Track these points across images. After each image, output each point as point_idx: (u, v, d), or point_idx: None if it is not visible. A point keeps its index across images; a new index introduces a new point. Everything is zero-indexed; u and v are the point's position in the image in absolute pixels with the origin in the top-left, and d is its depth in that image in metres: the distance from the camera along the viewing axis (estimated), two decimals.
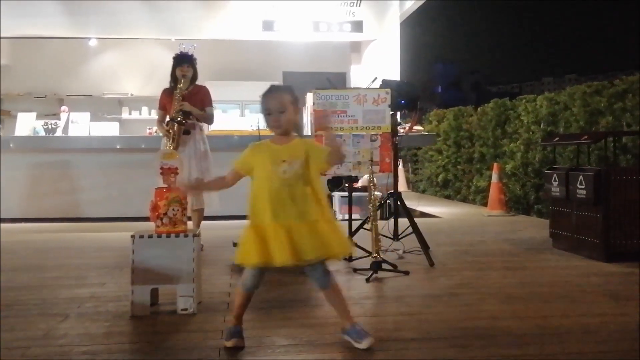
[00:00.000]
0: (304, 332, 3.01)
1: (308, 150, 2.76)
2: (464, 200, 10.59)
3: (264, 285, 2.96)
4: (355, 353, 2.75)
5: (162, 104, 5.71)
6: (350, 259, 4.73)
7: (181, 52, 5.65)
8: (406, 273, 4.43)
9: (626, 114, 6.64)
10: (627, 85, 6.75)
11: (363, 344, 2.75)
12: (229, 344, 2.77)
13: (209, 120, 5.78)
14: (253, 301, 2.92)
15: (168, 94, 5.64)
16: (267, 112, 2.77)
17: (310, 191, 2.72)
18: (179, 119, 5.43)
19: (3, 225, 7.33)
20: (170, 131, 5.45)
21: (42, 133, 8.14)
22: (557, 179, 5.47)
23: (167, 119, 5.56)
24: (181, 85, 5.50)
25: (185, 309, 3.37)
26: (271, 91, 2.81)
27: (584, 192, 5.05)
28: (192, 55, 5.66)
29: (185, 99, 5.51)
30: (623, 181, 4.91)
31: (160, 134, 5.84)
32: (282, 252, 2.63)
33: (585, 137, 5.60)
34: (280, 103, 2.75)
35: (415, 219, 5.33)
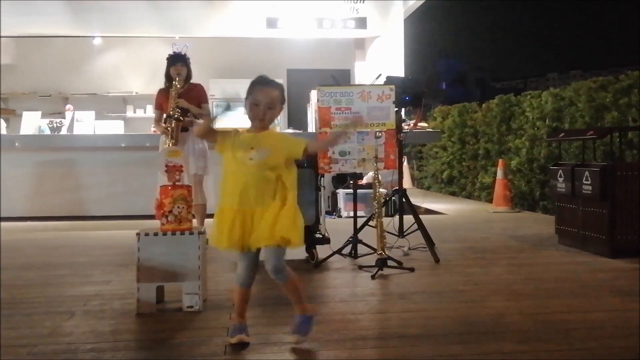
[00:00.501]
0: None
1: (281, 140, 2.78)
2: (469, 196, 10.57)
3: (269, 283, 2.96)
4: (360, 350, 2.75)
5: (159, 103, 5.80)
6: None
7: (174, 52, 5.74)
8: (411, 270, 4.43)
9: (632, 109, 6.61)
10: (632, 81, 6.73)
11: (292, 338, 2.79)
12: (233, 340, 2.77)
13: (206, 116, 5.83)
14: (258, 298, 2.93)
15: (164, 93, 5.74)
16: (255, 103, 2.76)
17: (275, 179, 2.70)
18: (176, 115, 5.49)
19: (9, 224, 7.36)
20: (169, 128, 5.50)
21: (47, 132, 8.16)
22: (562, 175, 5.45)
23: (165, 116, 5.60)
24: (175, 84, 5.57)
25: (191, 307, 3.37)
26: (263, 83, 2.80)
27: (589, 188, 5.03)
28: (185, 55, 5.75)
29: (182, 96, 5.60)
30: (629, 177, 4.89)
31: (159, 133, 5.91)
32: (234, 236, 2.67)
33: (591, 132, 5.58)
34: (271, 99, 2.75)
35: (420, 216, 5.32)
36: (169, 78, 5.71)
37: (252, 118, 2.80)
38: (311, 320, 2.84)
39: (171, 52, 5.75)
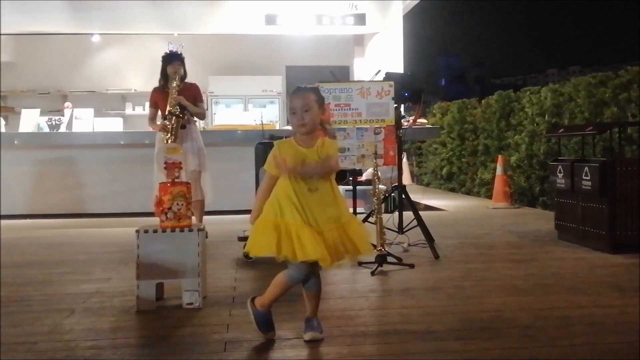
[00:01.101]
0: None
1: (330, 151, 2.76)
2: (469, 192, 10.57)
3: (268, 280, 2.96)
4: (360, 346, 2.75)
5: (154, 101, 5.85)
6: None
7: (171, 51, 5.77)
8: (411, 266, 4.43)
9: (631, 105, 6.60)
10: (631, 76, 6.72)
11: (306, 336, 2.79)
12: (269, 336, 2.82)
13: (202, 115, 6.00)
14: (259, 295, 2.91)
15: (159, 91, 5.79)
16: (292, 112, 2.76)
17: (337, 190, 2.75)
18: (177, 112, 5.52)
19: (9, 221, 7.36)
20: (169, 125, 5.51)
21: (46, 129, 8.15)
22: (562, 170, 5.45)
23: (166, 112, 5.60)
24: (175, 82, 5.60)
25: (191, 303, 3.38)
26: (297, 91, 2.79)
27: (589, 183, 5.03)
28: (181, 54, 5.78)
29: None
30: (628, 172, 4.88)
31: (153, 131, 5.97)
32: (315, 247, 2.61)
33: (590, 128, 5.58)
34: (304, 102, 2.72)
35: (420, 212, 5.32)
36: (165, 77, 5.75)
37: (295, 127, 2.78)
38: (318, 320, 2.88)
39: (167, 51, 5.79)
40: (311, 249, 2.60)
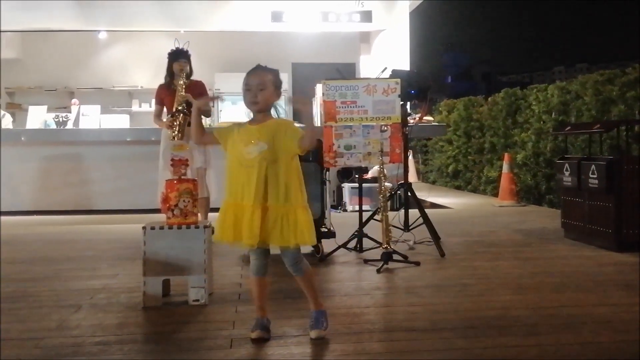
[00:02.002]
0: None
1: (281, 131, 2.72)
2: (475, 190, 10.55)
3: (274, 276, 2.97)
4: (366, 344, 2.76)
5: (160, 98, 5.85)
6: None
7: (177, 48, 5.76)
8: (417, 264, 4.43)
9: (638, 103, 6.57)
10: (639, 74, 6.68)
11: (312, 334, 2.78)
12: (253, 335, 2.77)
13: (208, 113, 5.98)
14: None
15: (165, 88, 5.79)
16: (247, 88, 2.75)
17: (279, 173, 2.68)
18: (185, 110, 5.48)
19: (16, 218, 7.40)
20: (176, 122, 5.50)
21: (53, 126, 8.18)
22: (568, 168, 5.43)
23: (173, 109, 5.59)
24: (182, 80, 5.58)
25: (197, 300, 3.39)
26: (255, 69, 2.80)
27: (596, 181, 5.01)
28: (187, 51, 5.77)
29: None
30: (635, 170, 4.86)
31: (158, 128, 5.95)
32: (250, 233, 2.64)
33: (597, 126, 5.56)
34: (260, 80, 2.73)
35: (426, 210, 5.32)
36: (170, 74, 5.75)
37: (247, 104, 2.78)
38: (325, 314, 2.87)
39: (173, 48, 5.78)
40: (220, 231, 2.71)
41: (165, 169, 5.52)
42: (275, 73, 2.79)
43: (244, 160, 2.69)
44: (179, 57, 5.69)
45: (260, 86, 2.72)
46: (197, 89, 5.72)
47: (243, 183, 2.69)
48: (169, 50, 5.79)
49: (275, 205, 2.67)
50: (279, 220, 2.66)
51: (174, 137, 5.44)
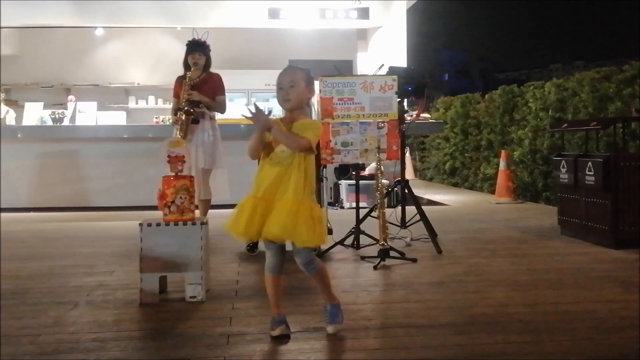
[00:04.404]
0: (313, 319, 3.01)
1: (302, 127, 2.74)
2: (472, 187, 10.57)
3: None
4: (363, 340, 2.76)
5: (176, 91, 5.67)
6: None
7: (193, 39, 5.58)
8: (414, 260, 4.43)
9: (635, 100, 6.59)
10: (636, 71, 6.70)
11: (329, 329, 2.79)
12: (275, 333, 2.75)
13: (220, 109, 5.71)
14: (262, 288, 2.92)
15: (180, 81, 5.62)
16: (279, 87, 2.78)
17: (301, 174, 2.70)
18: (186, 108, 5.40)
19: (12, 214, 7.39)
20: (179, 120, 5.41)
21: (50, 123, 8.16)
22: (565, 165, 5.44)
23: (179, 106, 5.51)
24: (190, 73, 5.46)
25: (194, 297, 3.38)
26: (286, 68, 2.84)
27: (592, 178, 5.02)
28: (204, 42, 5.59)
29: (196, 87, 5.47)
30: (632, 167, 4.87)
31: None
32: (254, 226, 2.65)
33: (594, 123, 5.56)
34: (291, 78, 2.75)
35: (423, 207, 5.32)
36: (186, 66, 5.57)
37: (279, 103, 2.81)
38: (339, 307, 2.87)
39: (190, 39, 5.59)
40: (234, 222, 2.70)
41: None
42: (306, 71, 2.82)
43: (275, 156, 2.72)
44: (194, 49, 5.50)
45: (292, 84, 2.74)
46: (212, 84, 5.56)
47: (265, 178, 2.71)
48: (187, 41, 5.59)
49: (292, 200, 2.66)
50: (298, 217, 2.65)
51: (176, 136, 5.29)
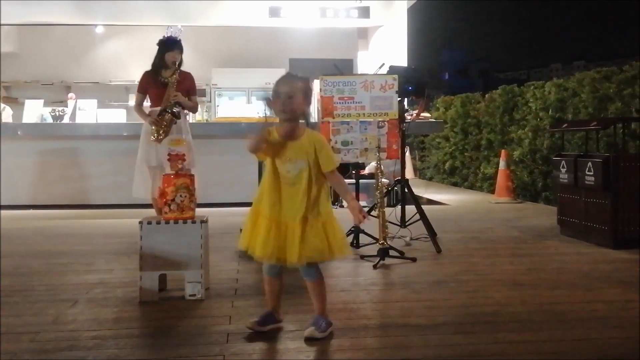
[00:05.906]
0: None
1: (316, 149, 2.70)
2: (471, 187, 10.57)
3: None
4: (362, 339, 2.76)
5: (144, 87, 5.45)
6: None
7: (171, 37, 5.37)
8: (413, 260, 4.44)
9: (635, 100, 6.59)
10: (636, 71, 6.69)
11: (306, 331, 2.73)
12: (247, 324, 2.80)
13: (194, 109, 5.64)
14: (261, 287, 2.92)
15: (152, 78, 5.40)
16: (276, 96, 2.71)
17: (313, 191, 2.69)
18: (174, 110, 5.17)
19: (12, 212, 7.38)
20: (162, 121, 5.17)
21: (50, 120, 8.15)
22: (565, 165, 5.44)
23: (161, 106, 5.23)
24: (174, 74, 5.23)
25: (194, 295, 3.38)
26: (284, 76, 2.77)
27: (592, 178, 5.02)
28: (180, 40, 5.39)
29: (173, 86, 5.24)
30: (632, 167, 4.88)
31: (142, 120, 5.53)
32: (268, 248, 2.65)
33: (594, 123, 5.57)
34: (290, 87, 2.69)
35: (422, 206, 5.32)
36: (160, 63, 5.36)
37: (275, 112, 2.73)
38: (328, 322, 2.79)
39: (165, 36, 5.40)
40: (255, 245, 2.68)
41: (143, 164, 5.37)
42: (305, 81, 2.76)
43: (283, 177, 2.70)
44: (173, 47, 5.28)
45: (289, 95, 2.68)
46: (187, 84, 5.40)
47: (278, 198, 2.68)
48: (161, 38, 5.39)
49: (301, 223, 2.66)
50: (318, 233, 2.66)
51: (156, 137, 5.11)
